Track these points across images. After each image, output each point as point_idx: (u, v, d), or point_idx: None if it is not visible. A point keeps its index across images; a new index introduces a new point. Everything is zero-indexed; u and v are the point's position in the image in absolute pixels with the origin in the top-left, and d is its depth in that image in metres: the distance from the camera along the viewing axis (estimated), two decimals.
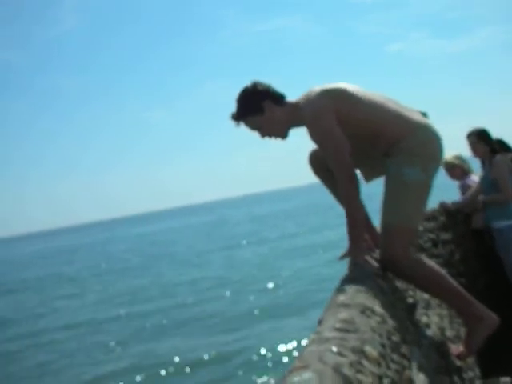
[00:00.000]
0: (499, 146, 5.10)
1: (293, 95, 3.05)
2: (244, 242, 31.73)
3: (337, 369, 1.45)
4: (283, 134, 3.01)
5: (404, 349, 2.13)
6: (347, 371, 1.48)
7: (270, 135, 3.00)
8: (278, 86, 3.04)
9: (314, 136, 2.85)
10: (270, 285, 17.23)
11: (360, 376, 1.54)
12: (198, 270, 23.01)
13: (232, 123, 3.01)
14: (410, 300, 2.89)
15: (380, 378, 1.69)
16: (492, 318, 2.71)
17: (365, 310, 2.00)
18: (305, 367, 1.43)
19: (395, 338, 2.09)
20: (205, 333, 12.26)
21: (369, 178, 3.14)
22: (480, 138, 5.02)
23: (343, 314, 1.88)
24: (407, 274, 2.79)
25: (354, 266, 2.76)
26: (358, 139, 2.95)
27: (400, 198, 2.81)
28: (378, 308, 2.13)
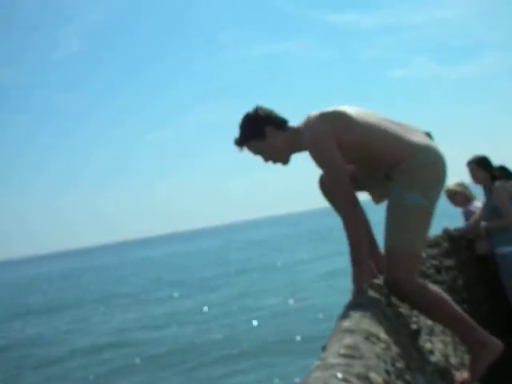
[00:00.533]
0: (501, 172, 5.11)
1: (294, 120, 3.08)
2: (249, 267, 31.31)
3: None
4: (284, 160, 3.04)
5: (408, 375, 2.13)
6: None
7: (272, 160, 3.03)
8: (279, 110, 3.07)
9: (316, 162, 2.86)
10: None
11: None
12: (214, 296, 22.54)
13: (235, 147, 3.03)
14: (414, 326, 2.88)
15: None
16: (496, 345, 2.71)
17: (369, 337, 2.01)
18: None
19: (399, 365, 2.09)
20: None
21: (377, 199, 3.14)
22: (479, 165, 5.06)
23: (348, 340, 1.89)
24: (411, 299, 2.79)
25: (358, 291, 2.75)
26: (360, 162, 2.98)
27: (401, 222, 2.80)
28: (383, 334, 2.14)
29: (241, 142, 3.01)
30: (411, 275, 2.77)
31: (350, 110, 2.90)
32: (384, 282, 2.85)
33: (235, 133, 3.06)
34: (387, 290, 2.82)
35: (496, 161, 5.20)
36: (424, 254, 4.12)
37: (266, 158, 3.03)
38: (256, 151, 3.02)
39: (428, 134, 3.00)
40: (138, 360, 13.30)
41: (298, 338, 12.95)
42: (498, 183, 4.89)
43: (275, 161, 3.03)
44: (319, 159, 2.82)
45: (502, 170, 5.17)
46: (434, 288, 2.83)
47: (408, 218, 2.79)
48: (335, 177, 2.80)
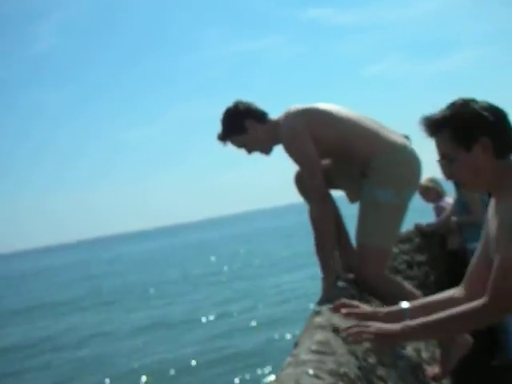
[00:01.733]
0: None
1: (272, 114, 3.12)
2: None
3: None
4: (267, 150, 3.09)
5: (380, 371, 2.12)
6: None
7: (256, 151, 3.09)
8: (258, 105, 3.07)
9: (290, 155, 2.93)
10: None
11: None
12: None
13: (219, 142, 3.08)
14: None
15: None
16: (465, 339, 2.72)
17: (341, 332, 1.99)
18: None
19: (371, 360, 2.08)
20: None
21: (352, 198, 3.16)
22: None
23: (319, 336, 1.89)
24: (380, 293, 2.83)
25: (328, 286, 2.77)
26: (336, 157, 3.03)
27: (372, 218, 2.86)
28: None
29: (223, 137, 3.06)
30: (381, 271, 2.82)
31: (327, 106, 2.98)
32: (355, 276, 2.88)
33: (217, 129, 3.08)
34: (358, 284, 2.84)
35: None
36: (396, 250, 4.17)
37: (249, 150, 3.09)
38: (239, 145, 3.07)
39: (406, 137, 3.03)
40: None
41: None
42: None
43: (259, 151, 3.09)
44: (294, 153, 2.88)
45: None
46: (403, 283, 2.88)
47: (379, 215, 2.84)
48: (308, 170, 2.87)
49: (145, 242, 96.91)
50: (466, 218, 4.90)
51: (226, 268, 28.25)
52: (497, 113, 1.75)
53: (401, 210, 2.90)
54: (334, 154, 3.02)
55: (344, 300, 2.08)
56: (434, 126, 1.77)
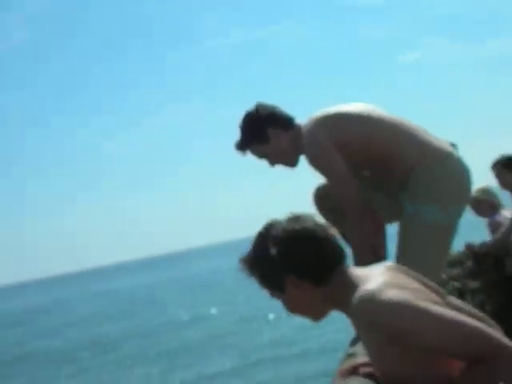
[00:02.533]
0: None
1: (297, 114, 2.88)
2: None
3: None
4: (293, 162, 2.88)
5: None
6: None
7: (279, 163, 2.90)
8: (279, 102, 2.79)
9: (315, 168, 2.75)
10: None
11: None
12: None
13: (237, 151, 2.89)
14: None
15: None
16: None
17: None
18: None
19: None
20: None
21: (390, 217, 2.89)
22: (507, 167, 4.67)
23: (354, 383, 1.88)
24: None
25: None
26: (369, 170, 2.84)
27: (417, 241, 2.64)
28: None
29: (242, 146, 2.84)
30: None
31: (358, 108, 2.78)
32: None
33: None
34: None
35: None
36: (444, 276, 4.00)
37: (272, 162, 2.88)
38: (260, 155, 2.88)
39: (453, 145, 2.85)
40: None
41: None
42: None
43: (282, 164, 2.90)
44: (318, 165, 2.72)
45: None
46: None
47: (425, 235, 2.63)
48: (338, 180, 2.69)
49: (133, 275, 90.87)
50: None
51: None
52: (298, 242, 1.69)
53: (449, 229, 2.69)
54: (366, 166, 2.82)
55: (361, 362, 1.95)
56: (247, 270, 1.76)
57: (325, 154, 2.68)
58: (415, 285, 1.70)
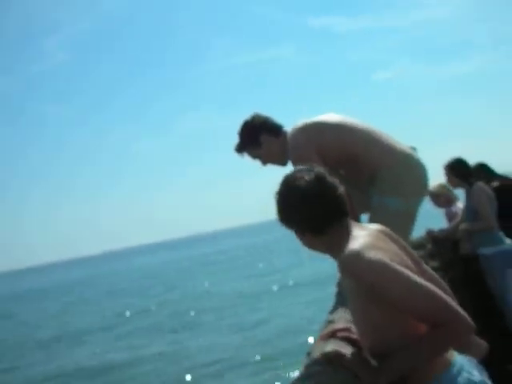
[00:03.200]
0: (480, 171, 5.15)
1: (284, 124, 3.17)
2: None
3: None
4: (283, 162, 3.16)
5: None
6: None
7: (270, 163, 3.19)
8: (274, 112, 3.27)
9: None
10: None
11: None
12: None
13: (236, 153, 3.19)
14: None
15: None
16: (481, 344, 2.69)
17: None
18: None
19: None
20: None
21: (361, 209, 3.17)
22: (451, 170, 4.99)
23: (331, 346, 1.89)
24: None
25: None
26: (345, 169, 3.07)
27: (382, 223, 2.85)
28: None
29: (240, 149, 3.17)
30: None
31: (334, 117, 3.04)
32: None
33: (227, 140, 3.26)
34: None
35: (490, 160, 5.18)
36: None
37: (264, 162, 3.19)
38: (253, 156, 3.18)
39: (413, 149, 3.10)
40: None
41: None
42: (476, 185, 4.85)
43: (273, 163, 3.18)
44: (298, 165, 2.89)
45: (482, 168, 5.21)
46: None
47: (390, 222, 2.72)
48: None
49: (156, 254, 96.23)
50: (476, 225, 4.86)
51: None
52: (302, 199, 1.84)
53: (410, 217, 2.94)
54: (341, 166, 3.05)
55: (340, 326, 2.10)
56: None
57: (304, 155, 2.85)
58: (396, 249, 1.84)
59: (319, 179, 1.86)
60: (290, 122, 3.23)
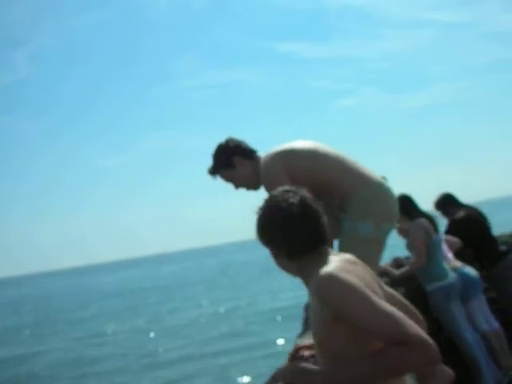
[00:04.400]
0: (447, 201, 5.37)
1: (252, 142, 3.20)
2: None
3: None
4: (255, 186, 3.18)
5: None
6: None
7: (242, 187, 3.20)
8: (237, 133, 3.26)
9: (266, 190, 2.99)
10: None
11: None
12: None
13: (209, 175, 3.20)
14: None
15: None
16: (447, 372, 2.74)
17: None
18: None
19: None
20: None
21: (332, 235, 3.11)
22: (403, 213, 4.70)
23: None
24: None
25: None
26: (315, 195, 3.03)
27: (353, 251, 2.82)
28: None
29: (213, 171, 3.18)
30: None
31: (305, 144, 3.07)
32: None
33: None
34: None
35: (455, 187, 5.16)
36: None
37: (236, 185, 3.20)
38: (226, 179, 3.18)
39: (383, 178, 3.16)
40: None
41: None
42: (413, 222, 4.80)
43: (245, 187, 3.20)
44: (271, 191, 2.94)
45: (448, 199, 5.45)
46: None
47: (359, 246, 2.84)
48: None
49: (128, 270, 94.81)
50: (407, 267, 4.85)
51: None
52: (279, 221, 1.83)
53: (379, 243, 2.98)
54: (312, 192, 3.02)
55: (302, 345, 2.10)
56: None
57: (276, 182, 2.80)
58: (365, 275, 1.82)
59: (304, 202, 1.83)
60: (253, 144, 3.27)
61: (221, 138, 3.23)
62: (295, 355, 2.03)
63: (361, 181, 2.99)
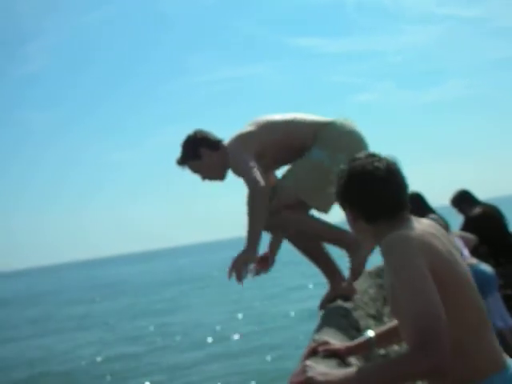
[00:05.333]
0: (464, 197, 5.36)
1: None
2: None
3: None
4: (221, 177, 3.27)
5: None
6: None
7: (208, 178, 3.27)
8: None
9: (235, 173, 3.12)
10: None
11: None
12: None
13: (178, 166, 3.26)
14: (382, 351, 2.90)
15: None
16: None
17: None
18: None
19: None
20: None
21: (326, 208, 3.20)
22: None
23: None
24: (280, 229, 3.19)
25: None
26: (288, 159, 3.23)
27: (299, 168, 3.09)
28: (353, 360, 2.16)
29: (181, 162, 3.24)
30: (280, 210, 3.03)
31: (262, 118, 3.23)
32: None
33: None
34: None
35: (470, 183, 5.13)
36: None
37: (203, 177, 3.26)
38: (194, 170, 3.25)
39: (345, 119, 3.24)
40: None
41: None
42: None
43: (211, 179, 3.27)
44: (238, 171, 3.10)
45: (465, 195, 5.43)
46: (297, 215, 3.10)
47: (307, 167, 3.08)
48: (249, 176, 2.98)
49: (138, 264, 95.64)
50: None
51: None
52: (363, 180, 1.81)
53: (329, 173, 2.86)
54: (284, 156, 3.22)
55: (319, 342, 2.08)
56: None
57: (242, 162, 3.03)
58: (438, 245, 1.71)
59: (389, 167, 1.81)
60: None
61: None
62: (314, 351, 2.00)
63: (320, 124, 3.14)
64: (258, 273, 3.25)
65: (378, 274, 4.03)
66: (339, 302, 3.03)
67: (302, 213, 3.12)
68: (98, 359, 15.28)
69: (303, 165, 3.10)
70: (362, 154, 1.88)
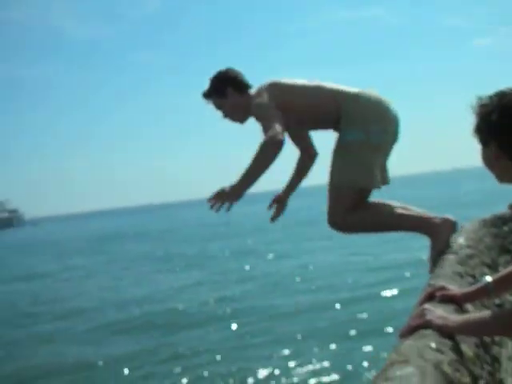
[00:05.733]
0: None
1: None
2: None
3: (437, 366, 1.44)
4: (241, 120, 3.30)
5: (494, 350, 2.09)
6: (447, 369, 1.47)
7: (230, 118, 3.30)
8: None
9: (257, 119, 3.09)
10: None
11: (458, 375, 1.52)
12: None
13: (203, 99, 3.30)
14: (497, 301, 2.80)
15: (476, 378, 1.66)
16: (448, 220, 2.89)
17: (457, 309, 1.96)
18: (405, 362, 1.43)
19: (486, 339, 2.05)
20: None
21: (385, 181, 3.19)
22: None
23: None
24: (351, 232, 3.15)
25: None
26: (311, 125, 3.26)
27: (342, 158, 3.02)
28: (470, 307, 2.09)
29: (206, 96, 3.29)
30: (341, 213, 2.99)
31: (285, 79, 3.20)
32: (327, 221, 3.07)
33: None
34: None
35: None
36: (506, 228, 3.87)
37: (224, 115, 3.30)
38: (217, 106, 3.29)
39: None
40: None
41: None
42: None
43: (232, 119, 3.30)
44: (258, 115, 3.07)
45: None
46: (363, 213, 3.03)
47: (347, 152, 3.01)
48: (266, 116, 2.99)
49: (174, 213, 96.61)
50: None
51: None
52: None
53: (369, 146, 2.99)
54: (308, 121, 3.24)
55: (435, 287, 2.05)
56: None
57: (265, 107, 3.03)
58: None
59: None
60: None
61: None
62: (431, 296, 1.98)
63: (342, 96, 3.07)
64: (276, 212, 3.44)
65: (493, 223, 3.83)
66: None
67: (370, 209, 3.05)
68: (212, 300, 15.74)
69: (341, 155, 3.03)
70: (509, 90, 1.73)
